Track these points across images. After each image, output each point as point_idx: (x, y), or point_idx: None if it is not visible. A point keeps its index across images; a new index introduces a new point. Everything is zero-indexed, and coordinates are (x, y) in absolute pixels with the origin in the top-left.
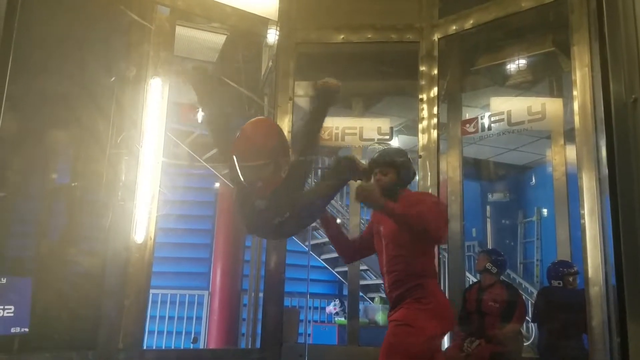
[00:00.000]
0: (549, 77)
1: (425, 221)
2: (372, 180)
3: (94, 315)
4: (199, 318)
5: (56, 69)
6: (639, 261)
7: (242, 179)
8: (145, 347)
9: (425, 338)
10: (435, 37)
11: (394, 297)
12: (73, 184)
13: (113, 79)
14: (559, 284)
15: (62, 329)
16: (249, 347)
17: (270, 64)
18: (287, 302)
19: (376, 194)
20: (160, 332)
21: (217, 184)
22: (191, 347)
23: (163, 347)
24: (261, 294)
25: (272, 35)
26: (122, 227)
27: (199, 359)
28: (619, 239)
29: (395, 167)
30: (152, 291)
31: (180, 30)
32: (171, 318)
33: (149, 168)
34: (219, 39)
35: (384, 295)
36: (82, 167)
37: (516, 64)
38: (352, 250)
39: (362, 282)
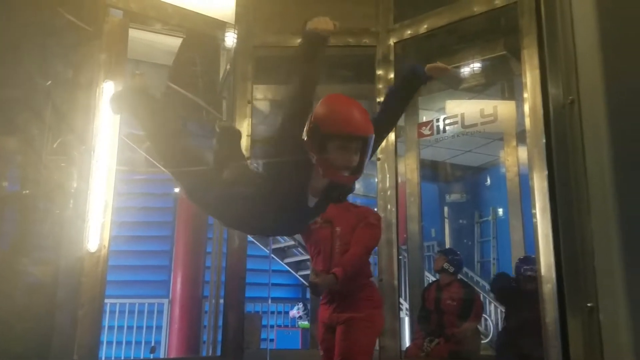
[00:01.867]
0: (501, 80)
1: (365, 254)
2: None
3: (46, 327)
4: (158, 327)
5: (7, 74)
6: (577, 259)
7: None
8: (101, 358)
9: (378, 334)
10: (391, 41)
11: (342, 295)
12: (24, 192)
13: (49, 83)
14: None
15: (14, 341)
16: (210, 354)
17: (228, 67)
18: (250, 307)
19: (327, 283)
20: (118, 343)
21: (176, 189)
22: (150, 357)
23: (122, 358)
24: (222, 300)
25: (230, 39)
26: (74, 235)
27: None
28: (558, 237)
29: None
30: (108, 301)
31: (134, 33)
32: (130, 328)
33: (102, 174)
34: (175, 42)
35: None
36: (32, 174)
37: (469, 68)
38: None
39: None
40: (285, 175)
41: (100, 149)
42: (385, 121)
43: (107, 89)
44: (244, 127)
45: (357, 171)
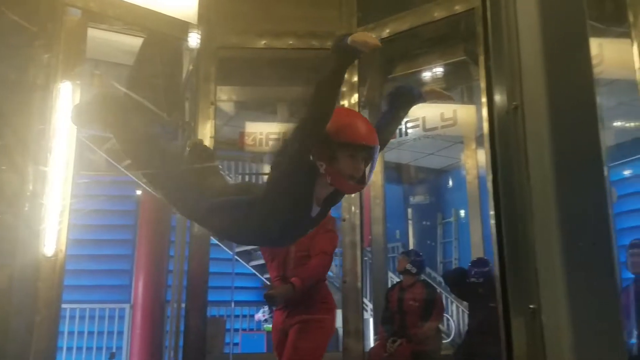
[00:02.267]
0: (461, 84)
1: (328, 262)
2: None
3: (1, 332)
4: (120, 332)
5: None
6: (520, 261)
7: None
8: None
9: (329, 339)
10: None
11: (299, 298)
12: None
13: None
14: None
15: None
16: None
17: (191, 68)
18: (214, 311)
19: (284, 294)
20: (79, 349)
21: (138, 192)
22: None
23: None
24: (184, 305)
25: (193, 39)
26: (30, 239)
27: None
28: (502, 238)
29: None
30: (68, 306)
31: (93, 33)
32: (90, 333)
33: (59, 176)
34: (136, 42)
35: None
36: None
37: (431, 72)
38: None
39: None
40: (294, 184)
41: (57, 151)
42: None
43: (64, 89)
44: (207, 129)
45: (363, 180)
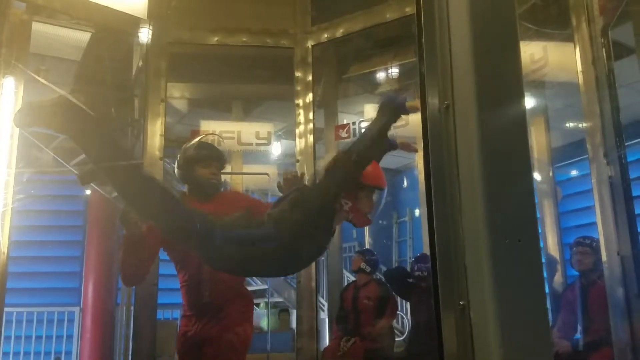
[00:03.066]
0: (413, 85)
1: None
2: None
3: None
4: (69, 336)
5: None
6: (450, 258)
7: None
8: None
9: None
10: (309, 44)
11: (219, 302)
12: None
13: None
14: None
15: None
16: None
17: (141, 63)
18: (167, 314)
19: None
20: (26, 353)
21: (87, 191)
22: None
23: None
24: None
25: (143, 34)
26: None
27: None
28: (433, 236)
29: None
30: (13, 309)
31: (38, 27)
32: (38, 337)
33: (1, 175)
34: (83, 37)
35: (270, 300)
36: None
37: (384, 73)
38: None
39: (249, 288)
40: (322, 218)
41: None
42: None
43: (7, 85)
44: (157, 126)
45: (373, 216)
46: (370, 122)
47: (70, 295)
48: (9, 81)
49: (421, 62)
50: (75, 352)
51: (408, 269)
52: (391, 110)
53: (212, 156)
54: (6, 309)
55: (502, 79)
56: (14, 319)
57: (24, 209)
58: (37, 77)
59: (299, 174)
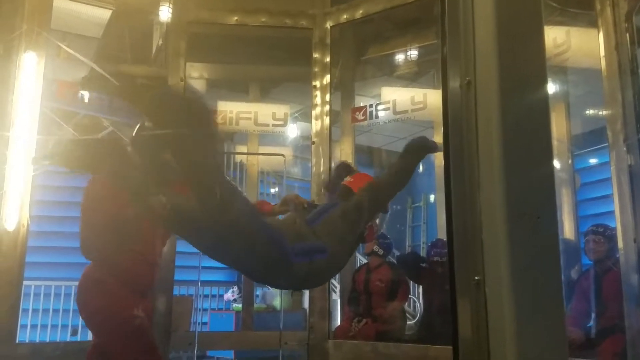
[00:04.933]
0: (432, 68)
1: None
2: None
3: None
4: None
5: None
6: (467, 233)
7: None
8: (24, 341)
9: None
10: (328, 24)
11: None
12: None
13: None
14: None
15: None
16: None
17: (161, 42)
18: (184, 290)
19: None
20: (43, 326)
21: None
22: (69, 340)
23: (47, 341)
24: None
25: (163, 13)
26: None
27: (80, 350)
28: (450, 211)
29: None
30: (32, 283)
31: (59, 3)
32: (55, 311)
33: (21, 149)
34: (104, 14)
35: None
36: None
37: (403, 55)
38: None
39: None
40: (355, 236)
41: (21, 123)
42: None
43: (29, 60)
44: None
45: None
46: (400, 158)
47: None
48: (30, 57)
49: (443, 39)
50: None
51: (423, 254)
52: (419, 150)
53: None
54: (25, 282)
55: (525, 56)
56: (32, 292)
57: (47, 185)
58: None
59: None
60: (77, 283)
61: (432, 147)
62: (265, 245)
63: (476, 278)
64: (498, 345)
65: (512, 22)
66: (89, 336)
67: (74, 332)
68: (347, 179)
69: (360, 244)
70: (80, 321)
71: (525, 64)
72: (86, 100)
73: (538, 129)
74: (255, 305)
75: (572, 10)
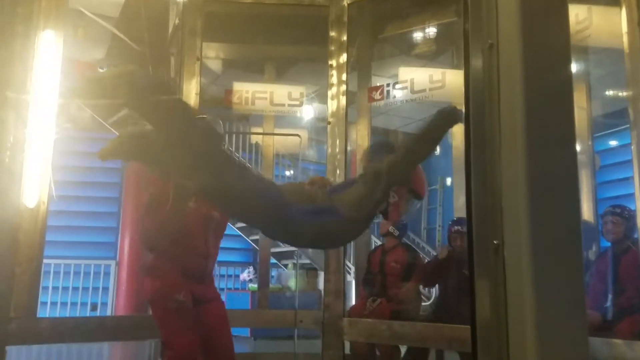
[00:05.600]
0: (451, 46)
1: None
2: None
3: None
4: (105, 288)
5: None
6: (487, 198)
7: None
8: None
9: None
10: (345, 2)
11: (209, 276)
12: None
13: None
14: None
15: None
16: None
17: (177, 22)
18: None
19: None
20: (63, 304)
21: None
22: (89, 315)
23: (66, 316)
24: None
25: None
26: (10, 189)
27: (100, 326)
28: (470, 176)
29: None
30: (52, 261)
31: None
32: (75, 289)
33: (41, 128)
34: None
35: (297, 262)
36: None
37: (422, 33)
38: None
39: (277, 250)
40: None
41: (39, 102)
42: None
43: (47, 38)
44: (193, 85)
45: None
46: (427, 124)
47: (107, 249)
48: (49, 35)
49: (466, 2)
50: (111, 303)
51: (439, 237)
52: (448, 119)
53: None
54: (45, 261)
55: (548, 19)
56: (51, 270)
57: (67, 165)
58: (75, 33)
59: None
60: (95, 262)
61: (461, 117)
62: (262, 199)
63: (495, 242)
64: (517, 318)
65: None
66: (109, 311)
67: (94, 308)
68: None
69: (376, 223)
70: (99, 298)
71: (548, 25)
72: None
73: (561, 99)
74: (271, 286)
75: None
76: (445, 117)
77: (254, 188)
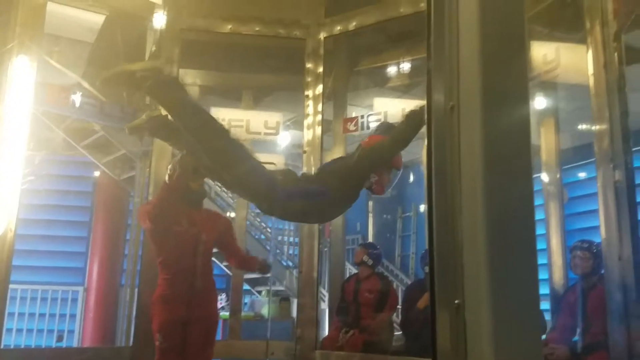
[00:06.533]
0: (425, 80)
1: None
2: None
3: None
4: (72, 315)
5: None
6: (448, 256)
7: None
8: (9, 346)
9: None
10: (321, 35)
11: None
12: None
13: None
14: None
15: None
16: (122, 345)
17: (154, 49)
18: None
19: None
20: (29, 330)
21: (96, 173)
22: (54, 346)
23: (32, 346)
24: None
25: (157, 20)
26: None
27: (64, 358)
28: (432, 234)
29: None
30: (18, 287)
31: (53, 7)
32: (42, 315)
33: (9, 154)
34: (98, 19)
35: (272, 289)
36: None
37: (396, 67)
38: None
39: (250, 276)
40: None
41: (10, 126)
42: None
43: (21, 64)
44: None
45: (388, 189)
46: (400, 126)
47: (75, 275)
48: (22, 60)
49: (429, 61)
50: (78, 331)
51: (412, 264)
52: (419, 121)
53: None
54: (11, 286)
55: (508, 82)
56: (18, 295)
57: (33, 188)
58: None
59: None
60: (62, 288)
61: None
62: (251, 173)
63: (456, 302)
64: None
65: (495, 46)
66: (75, 340)
67: (59, 339)
68: (366, 139)
69: (352, 250)
70: (67, 325)
71: (508, 88)
72: (77, 104)
73: (519, 153)
74: (243, 313)
75: (560, 34)
76: (417, 119)
77: (252, 160)
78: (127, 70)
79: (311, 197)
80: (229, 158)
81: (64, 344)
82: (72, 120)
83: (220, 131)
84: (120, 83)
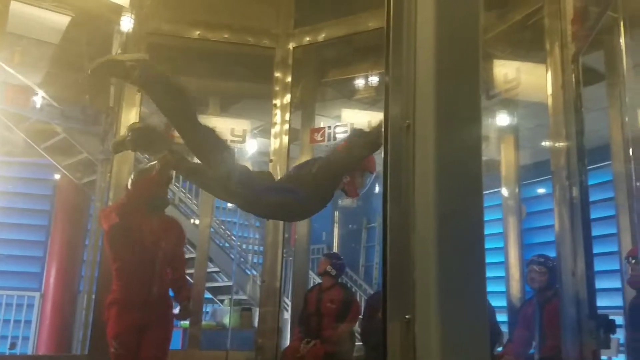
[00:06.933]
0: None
1: None
2: None
3: None
4: (27, 322)
5: None
6: (401, 271)
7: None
8: None
9: None
10: (290, 45)
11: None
12: None
13: None
14: None
15: None
16: (78, 353)
17: (119, 52)
18: None
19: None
20: None
21: (56, 176)
22: (7, 354)
23: None
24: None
25: (124, 23)
26: None
27: None
28: (386, 250)
29: None
30: None
31: (17, 6)
32: None
33: None
34: (63, 20)
35: (235, 298)
36: None
37: (364, 80)
38: None
39: (213, 284)
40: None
41: None
42: None
43: None
44: (132, 115)
45: (362, 192)
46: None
47: (31, 280)
48: None
49: (387, 78)
50: (33, 338)
51: (375, 274)
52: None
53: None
54: None
55: (461, 102)
56: None
57: None
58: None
59: None
60: (19, 293)
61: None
62: (230, 165)
63: (407, 317)
64: None
65: (450, 67)
66: (30, 347)
67: (12, 346)
68: (342, 142)
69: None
70: (21, 331)
71: (460, 108)
72: (38, 106)
73: (470, 172)
74: (204, 323)
75: (520, 54)
76: (359, 138)
77: (230, 151)
78: (115, 60)
79: (286, 193)
80: (209, 150)
81: (17, 351)
82: (34, 121)
83: (204, 126)
84: (109, 73)
